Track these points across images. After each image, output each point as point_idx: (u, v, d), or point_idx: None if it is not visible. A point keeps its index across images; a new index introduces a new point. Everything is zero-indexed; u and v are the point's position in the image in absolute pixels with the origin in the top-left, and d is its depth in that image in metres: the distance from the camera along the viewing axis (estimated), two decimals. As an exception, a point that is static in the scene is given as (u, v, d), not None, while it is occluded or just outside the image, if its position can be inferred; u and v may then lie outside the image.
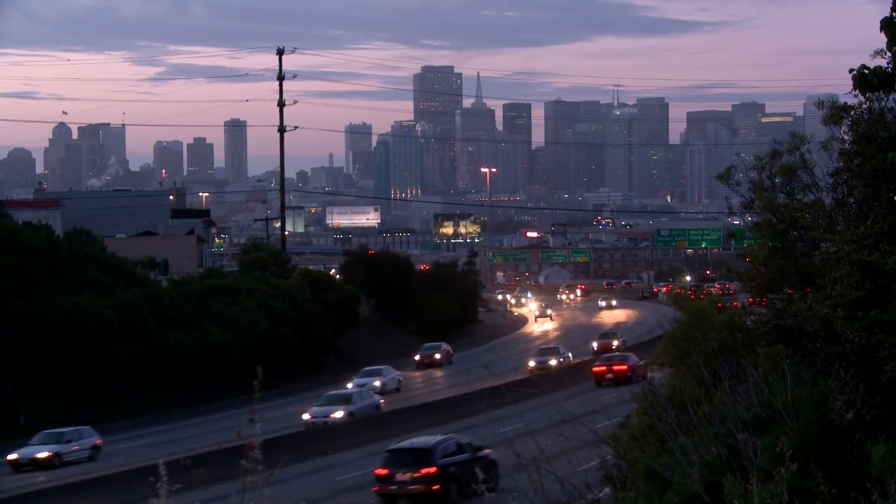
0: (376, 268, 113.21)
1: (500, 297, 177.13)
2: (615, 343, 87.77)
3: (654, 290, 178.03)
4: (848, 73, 13.48)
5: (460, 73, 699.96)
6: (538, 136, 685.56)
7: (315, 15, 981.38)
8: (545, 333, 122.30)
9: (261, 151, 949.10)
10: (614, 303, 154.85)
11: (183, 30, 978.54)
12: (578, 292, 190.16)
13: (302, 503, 37.46)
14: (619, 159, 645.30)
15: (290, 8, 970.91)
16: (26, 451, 53.78)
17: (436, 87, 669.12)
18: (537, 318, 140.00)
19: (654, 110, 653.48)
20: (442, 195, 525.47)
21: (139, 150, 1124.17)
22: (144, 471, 43.32)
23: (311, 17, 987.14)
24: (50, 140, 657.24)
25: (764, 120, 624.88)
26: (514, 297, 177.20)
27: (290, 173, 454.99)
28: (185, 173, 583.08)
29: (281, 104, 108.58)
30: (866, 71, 13.38)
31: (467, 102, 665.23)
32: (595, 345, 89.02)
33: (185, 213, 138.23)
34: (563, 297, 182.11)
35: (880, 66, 13.47)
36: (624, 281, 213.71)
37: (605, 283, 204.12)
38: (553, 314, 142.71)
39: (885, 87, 13.69)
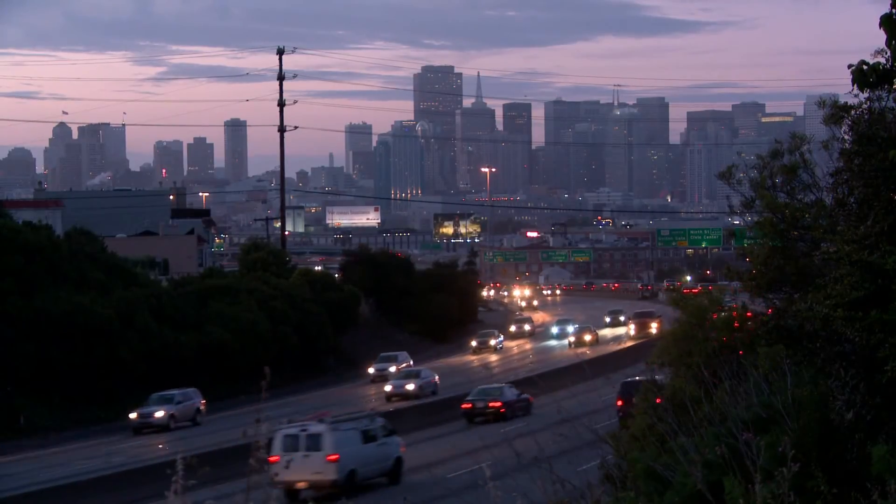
0: (376, 268, 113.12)
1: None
2: None
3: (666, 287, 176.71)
4: (847, 72, 13.52)
5: (460, 73, 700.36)
6: (538, 136, 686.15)
7: (317, 15, 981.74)
8: None
9: (261, 151, 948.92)
10: (623, 318, 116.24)
11: (184, 30, 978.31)
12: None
13: (310, 503, 37.68)
14: (619, 159, 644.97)
15: (292, 8, 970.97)
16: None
17: (436, 86, 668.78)
18: None
19: (654, 110, 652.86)
20: (442, 195, 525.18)
21: (139, 150, 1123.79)
22: (145, 471, 43.37)
23: (313, 17, 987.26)
24: (50, 140, 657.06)
25: (764, 120, 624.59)
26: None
27: (290, 173, 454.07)
28: (185, 173, 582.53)
29: (281, 104, 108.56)
30: (865, 67, 13.42)
31: (467, 102, 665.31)
32: None
33: (185, 213, 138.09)
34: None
35: (879, 63, 13.52)
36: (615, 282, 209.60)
37: (597, 285, 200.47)
38: None
39: (883, 83, 13.73)
